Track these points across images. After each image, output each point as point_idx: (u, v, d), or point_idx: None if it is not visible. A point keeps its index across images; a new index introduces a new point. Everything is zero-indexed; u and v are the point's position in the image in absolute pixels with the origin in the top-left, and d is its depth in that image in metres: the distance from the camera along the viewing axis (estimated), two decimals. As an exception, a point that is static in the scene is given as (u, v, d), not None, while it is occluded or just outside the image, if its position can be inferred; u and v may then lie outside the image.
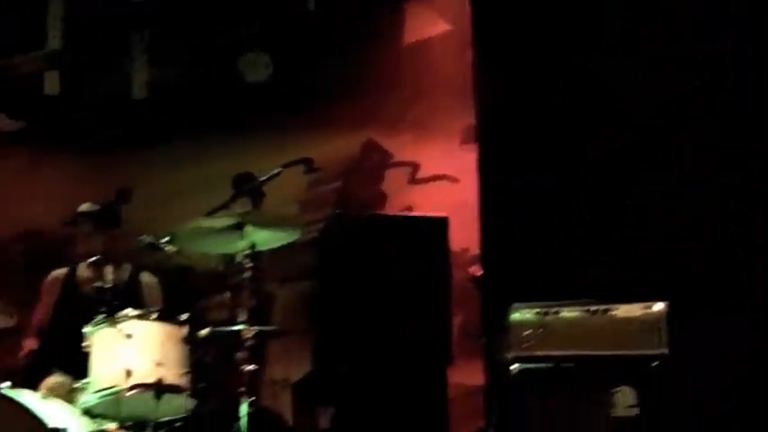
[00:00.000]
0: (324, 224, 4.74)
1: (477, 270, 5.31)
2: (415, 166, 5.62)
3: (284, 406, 4.91)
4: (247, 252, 3.68)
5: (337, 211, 4.65)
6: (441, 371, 4.27)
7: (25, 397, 3.24)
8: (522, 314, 3.83)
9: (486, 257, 5.34)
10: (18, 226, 5.25)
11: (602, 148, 5.21)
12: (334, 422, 4.36)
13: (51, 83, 5.38)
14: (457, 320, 4.54)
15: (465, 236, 5.27)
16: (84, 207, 4.22)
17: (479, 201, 5.49)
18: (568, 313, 3.81)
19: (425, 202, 5.45)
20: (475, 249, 5.45)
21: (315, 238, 4.80)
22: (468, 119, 5.66)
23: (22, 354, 4.05)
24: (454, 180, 5.61)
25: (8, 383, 3.23)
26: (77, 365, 3.53)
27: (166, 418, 3.50)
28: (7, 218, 5.24)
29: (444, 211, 4.61)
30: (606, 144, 5.15)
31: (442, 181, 5.60)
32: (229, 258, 4.68)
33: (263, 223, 3.73)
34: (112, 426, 3.43)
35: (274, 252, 3.95)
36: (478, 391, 5.19)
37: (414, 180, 5.61)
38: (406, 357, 4.19)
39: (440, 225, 4.39)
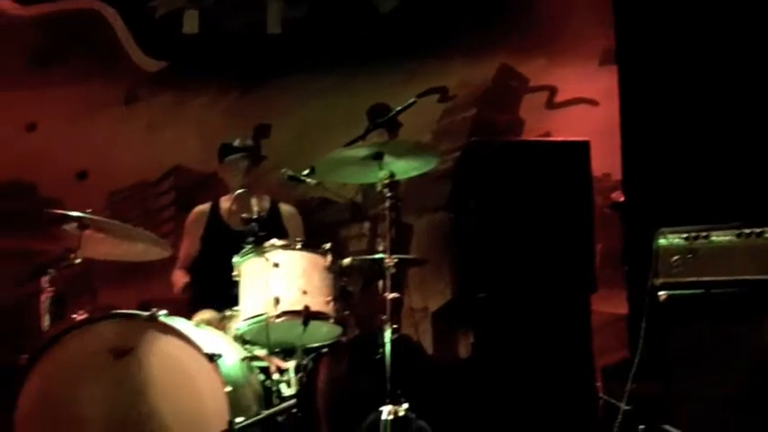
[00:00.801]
0: (460, 153, 4.68)
1: (619, 196, 5.17)
2: (553, 90, 5.47)
3: (424, 334, 4.97)
4: (386, 182, 3.67)
5: (473, 138, 4.57)
6: (584, 299, 4.17)
7: (180, 324, 3.37)
8: (669, 239, 3.69)
9: (628, 182, 5.18)
10: (166, 163, 5.43)
11: (749, 65, 4.95)
12: (474, 350, 4.37)
13: (190, 22, 5.50)
14: (598, 248, 4.42)
15: (606, 161, 5.13)
16: (237, 142, 4.32)
17: (620, 123, 5.32)
18: (718, 237, 3.65)
19: (564, 127, 5.32)
20: (617, 174, 5.31)
21: (451, 166, 4.77)
22: (607, 39, 5.46)
23: (177, 288, 4.18)
24: (593, 103, 5.44)
25: (165, 311, 3.37)
26: (225, 296, 3.66)
27: (313, 345, 3.58)
28: (156, 156, 5.43)
29: (584, 136, 4.46)
30: (754, 60, 4.89)
31: (580, 104, 5.45)
32: (368, 189, 4.74)
33: (402, 152, 3.70)
34: (262, 352, 3.55)
35: (411, 182, 3.93)
36: (621, 320, 5.10)
37: (551, 104, 5.48)
38: (548, 285, 4.12)
39: (581, 149, 4.24)
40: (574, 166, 4.24)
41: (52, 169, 5.38)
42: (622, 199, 5.14)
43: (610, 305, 4.96)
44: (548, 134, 5.29)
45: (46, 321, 3.60)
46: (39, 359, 3.27)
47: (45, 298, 3.61)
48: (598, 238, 4.37)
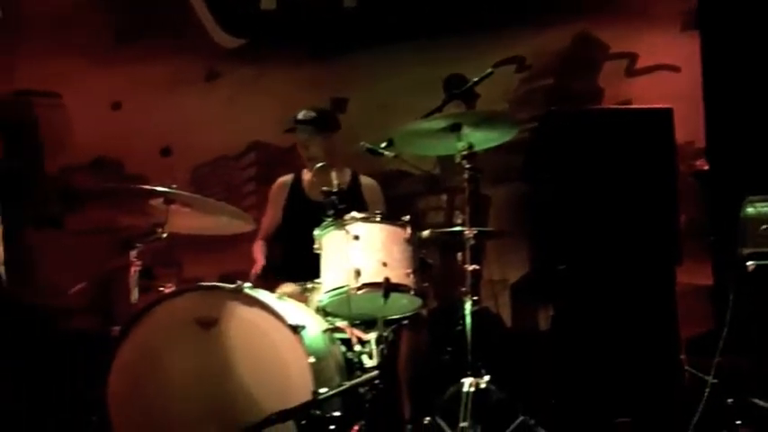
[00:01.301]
0: (538, 122, 4.62)
1: (703, 164, 5.04)
2: (633, 57, 5.35)
3: (503, 306, 4.96)
4: (464, 153, 3.65)
5: (551, 108, 4.50)
6: (669, 270, 4.10)
7: (264, 296, 3.43)
8: (756, 208, 3.60)
9: (712, 150, 5.05)
10: (247, 138, 5.51)
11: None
12: (553, 323, 4.34)
13: (268, -2, 5.56)
14: (681, 218, 4.33)
15: (689, 128, 5.00)
16: (301, 114, 4.36)
17: (703, 90, 5.18)
18: (809, 204, 3.55)
19: (645, 95, 5.21)
20: (700, 142, 5.18)
21: (528, 137, 4.72)
22: (688, 3, 5.31)
23: (255, 269, 4.24)
24: (675, 69, 5.31)
25: (249, 284, 3.44)
26: (306, 268, 3.71)
27: (393, 317, 3.60)
28: (237, 131, 5.51)
29: (666, 103, 4.36)
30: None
31: (662, 71, 5.32)
32: (445, 160, 4.71)
33: (480, 123, 3.68)
34: (344, 324, 3.59)
35: (488, 153, 3.90)
36: (706, 292, 4.99)
37: (631, 72, 5.36)
38: (631, 256, 4.06)
39: (664, 117, 4.15)
40: (656, 135, 4.16)
41: (137, 146, 5.52)
42: (707, 167, 5.02)
43: (694, 276, 4.86)
44: (628, 102, 5.19)
45: (135, 294, 3.71)
46: (129, 330, 3.37)
47: (133, 271, 3.72)
48: (682, 207, 4.29)
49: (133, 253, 3.74)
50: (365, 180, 4.43)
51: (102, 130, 5.55)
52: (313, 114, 4.34)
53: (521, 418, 3.43)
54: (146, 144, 5.52)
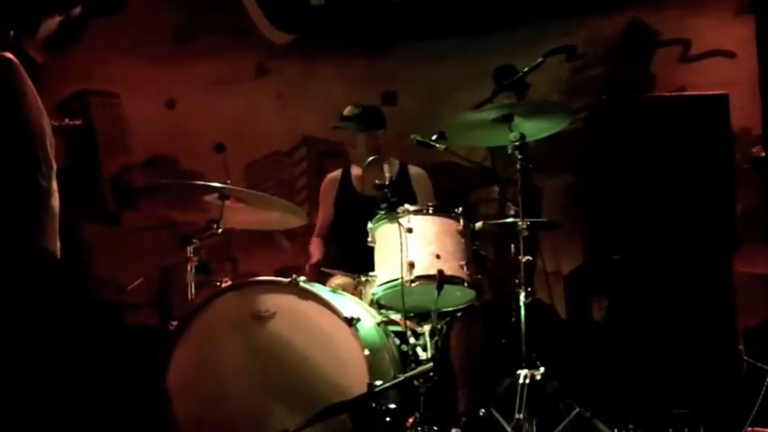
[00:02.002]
0: (590, 111, 4.57)
1: (759, 151, 4.94)
2: (686, 43, 5.26)
3: (557, 298, 4.92)
4: (516, 143, 3.64)
5: (603, 97, 4.45)
6: (726, 258, 4.04)
7: (319, 289, 3.47)
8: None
9: (770, 136, 4.96)
10: (298, 133, 5.55)
11: None
12: (608, 313, 4.30)
13: (317, -6, 5.58)
14: (738, 206, 4.26)
15: (745, 114, 4.91)
16: (346, 111, 4.38)
17: (760, 75, 5.08)
18: None
19: (699, 81, 5.12)
20: (757, 129, 5.08)
21: (581, 126, 4.67)
22: (742, -13, 5.21)
23: (310, 265, 4.28)
24: (730, 55, 5.21)
25: (303, 278, 3.47)
26: (361, 262, 3.73)
27: (447, 309, 3.61)
28: (288, 126, 5.56)
29: (721, 90, 4.28)
30: None
31: (716, 57, 5.22)
32: (497, 152, 4.70)
33: (531, 113, 3.66)
34: (398, 316, 3.61)
35: (541, 143, 3.88)
36: (764, 280, 4.91)
37: (685, 58, 5.27)
38: (687, 245, 4.01)
39: (719, 103, 4.08)
40: (711, 121, 4.10)
41: (191, 143, 5.60)
42: (763, 154, 4.91)
43: (752, 265, 4.77)
44: (682, 89, 5.10)
45: (192, 290, 3.77)
46: (187, 325, 3.43)
47: (190, 267, 3.79)
48: (739, 195, 4.21)
49: (190, 249, 3.80)
50: (414, 170, 4.44)
51: (158, 127, 5.64)
52: (357, 111, 4.35)
53: (576, 410, 3.40)
54: (199, 141, 5.60)
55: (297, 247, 4.64)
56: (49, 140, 2.54)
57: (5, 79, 2.48)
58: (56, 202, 2.54)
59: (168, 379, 3.39)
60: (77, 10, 2.68)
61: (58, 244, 2.53)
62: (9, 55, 2.52)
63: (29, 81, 2.54)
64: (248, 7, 5.65)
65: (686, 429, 3.81)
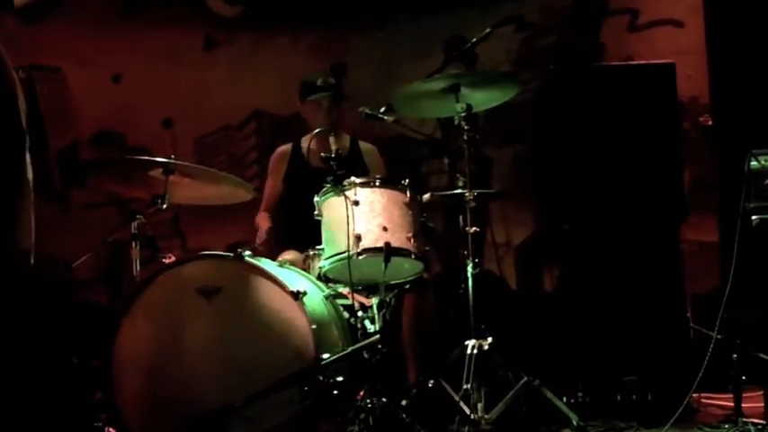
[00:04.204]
0: (540, 81, 4.57)
1: (707, 119, 4.99)
2: (635, 12, 5.27)
3: (508, 269, 4.94)
4: (464, 114, 3.62)
5: (551, 66, 4.45)
6: (674, 227, 4.08)
7: (265, 264, 3.43)
8: (761, 162, 3.55)
9: (717, 105, 4.99)
10: (248, 107, 5.48)
11: None
12: (559, 283, 4.33)
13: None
14: (686, 174, 4.30)
15: (693, 83, 4.94)
16: (320, 81, 4.30)
17: (707, 44, 5.11)
18: (814, 158, 3.50)
19: (647, 50, 5.14)
20: (704, 97, 5.11)
21: (531, 96, 4.67)
22: (690, -46, 5.22)
23: (260, 238, 4.21)
24: (678, 24, 5.23)
25: (248, 252, 3.43)
26: (308, 235, 3.70)
27: (395, 281, 3.59)
28: (238, 100, 5.48)
29: (669, 58, 4.30)
30: None
31: (665, 26, 5.24)
32: (445, 123, 4.69)
33: (478, 83, 3.64)
34: (345, 290, 3.59)
35: (490, 113, 3.87)
36: (712, 248, 4.97)
37: (633, 27, 5.28)
38: (636, 214, 4.03)
39: (667, 72, 4.09)
40: (659, 90, 4.11)
41: (139, 119, 5.51)
42: (710, 122, 4.96)
43: (700, 233, 4.83)
44: (630, 58, 5.11)
45: (137, 266, 3.72)
46: (132, 303, 3.38)
47: (135, 243, 3.73)
48: (687, 164, 4.25)
49: (134, 224, 3.73)
50: (364, 145, 4.40)
51: (105, 102, 5.54)
52: (332, 80, 4.31)
53: (524, 378, 3.42)
54: (147, 116, 5.51)
55: (248, 223, 4.58)
56: (22, 111, 2.47)
57: None
58: (29, 174, 2.47)
59: (114, 357, 3.34)
60: None
61: (33, 220, 2.46)
62: None
63: (2, 48, 2.46)
64: (195, -22, 5.55)
65: (634, 396, 3.86)
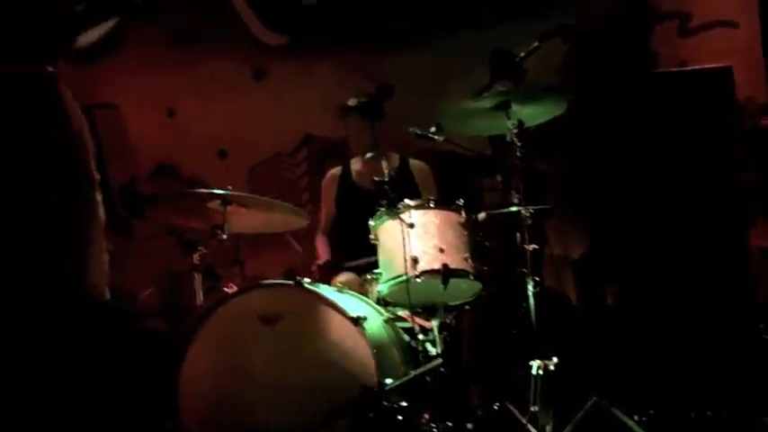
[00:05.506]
0: (589, 92, 4.50)
1: (767, 119, 4.87)
2: (686, 16, 5.18)
3: (567, 284, 4.86)
4: (515, 131, 3.59)
5: (599, 75, 4.38)
6: (740, 234, 3.97)
7: (324, 290, 3.44)
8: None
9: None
10: (299, 133, 5.52)
11: None
12: (621, 298, 4.25)
13: (308, -6, 5.54)
14: (750, 178, 4.19)
15: (750, 84, 4.83)
16: (351, 101, 4.36)
17: (763, 43, 4.99)
18: None
19: (701, 54, 5.03)
20: (762, 97, 4.99)
21: (581, 107, 4.60)
22: (742, -48, 5.12)
23: (317, 266, 4.25)
24: (732, 25, 5.12)
25: (307, 279, 3.45)
26: (360, 257, 3.70)
27: (454, 302, 3.57)
28: (289, 127, 5.52)
29: (724, 61, 4.21)
30: None
31: (717, 28, 5.13)
32: (497, 140, 4.65)
33: (529, 98, 3.61)
34: (405, 312, 3.58)
35: (541, 128, 3.83)
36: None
37: (685, 31, 5.19)
38: (699, 222, 3.94)
39: (723, 75, 4.01)
40: (716, 94, 4.03)
41: (194, 150, 5.59)
42: (770, 124, 4.84)
43: (764, 239, 4.70)
44: (683, 63, 5.02)
45: (200, 296, 3.77)
46: (196, 332, 3.42)
47: (197, 274, 3.78)
48: (748, 167, 4.15)
49: (196, 256, 3.79)
50: (415, 164, 4.41)
51: (160, 136, 5.63)
52: (363, 100, 4.35)
53: (593, 398, 3.35)
54: (201, 147, 5.57)
55: (305, 248, 4.61)
56: (91, 152, 2.54)
57: (51, 94, 2.47)
58: (101, 213, 2.53)
59: (180, 385, 3.38)
60: (112, 22, 2.68)
61: (105, 260, 2.52)
62: (52, 69, 2.51)
63: (70, 94, 2.54)
64: (242, 12, 5.61)
65: (709, 412, 3.74)
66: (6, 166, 2.38)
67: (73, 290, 2.42)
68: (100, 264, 2.48)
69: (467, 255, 3.43)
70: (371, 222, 3.56)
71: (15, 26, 2.46)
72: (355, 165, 4.40)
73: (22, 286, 2.34)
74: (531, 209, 3.54)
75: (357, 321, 3.25)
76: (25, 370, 2.37)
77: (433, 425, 3.26)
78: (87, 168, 2.50)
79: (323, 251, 4.36)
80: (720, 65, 4.14)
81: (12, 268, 2.33)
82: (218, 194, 3.67)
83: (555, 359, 3.36)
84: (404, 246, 3.39)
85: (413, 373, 3.31)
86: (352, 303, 3.44)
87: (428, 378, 3.32)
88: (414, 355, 3.44)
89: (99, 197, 2.53)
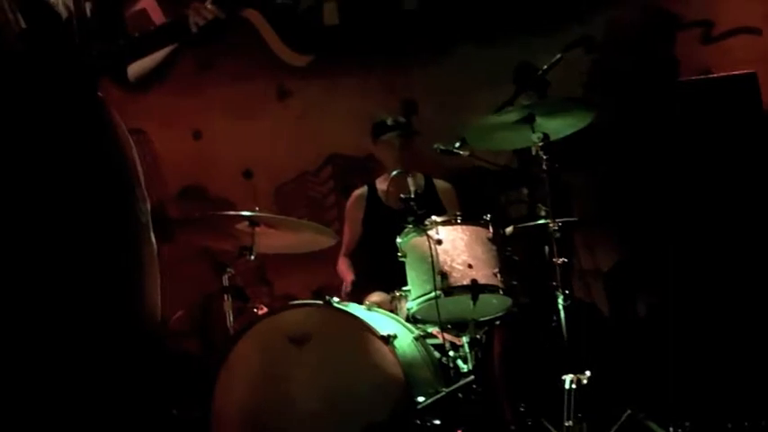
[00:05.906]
0: (616, 104, 4.49)
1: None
2: (709, 24, 5.14)
3: (598, 296, 4.83)
4: (540, 144, 3.58)
5: (627, 88, 4.36)
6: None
7: (354, 309, 3.44)
8: None
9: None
10: (324, 151, 5.53)
11: None
12: (653, 309, 4.21)
13: (330, 14, 5.57)
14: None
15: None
16: (390, 120, 4.37)
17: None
18: None
19: (724, 61, 4.99)
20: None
21: (608, 119, 4.58)
22: (765, -42, 5.08)
23: (346, 284, 4.25)
24: (756, 31, 5.08)
25: (336, 299, 3.45)
26: (392, 277, 3.70)
27: (485, 318, 3.56)
28: (314, 146, 5.54)
29: (748, 68, 4.18)
30: None
31: (741, 35, 5.09)
32: (522, 153, 4.65)
33: (554, 111, 3.60)
34: (435, 329, 3.57)
35: (567, 140, 3.81)
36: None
37: (708, 39, 5.15)
38: (731, 233, 3.89)
39: (748, 82, 3.97)
40: (741, 102, 3.99)
41: (220, 172, 5.62)
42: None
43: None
44: (707, 71, 4.98)
45: (230, 317, 3.79)
46: (227, 354, 3.43)
47: (227, 296, 3.80)
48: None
49: (225, 277, 3.82)
50: (440, 183, 4.43)
51: (187, 158, 5.67)
52: (401, 119, 4.40)
53: (628, 411, 3.31)
54: (228, 169, 5.62)
55: (330, 266, 4.62)
56: (141, 176, 2.58)
57: (102, 118, 2.51)
58: (154, 241, 2.57)
59: (213, 408, 3.39)
60: (166, 51, 2.72)
61: (158, 284, 2.55)
62: (102, 94, 2.56)
63: (119, 117, 2.58)
64: (263, 32, 5.65)
65: (746, 423, 3.69)
66: (75, 195, 2.41)
67: (135, 314, 2.44)
68: (156, 287, 2.51)
69: (496, 270, 3.41)
70: (399, 240, 3.56)
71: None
72: (381, 184, 4.40)
73: (89, 311, 2.36)
74: (558, 221, 3.52)
75: (387, 340, 3.25)
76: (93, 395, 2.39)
77: (467, 442, 3.25)
78: (137, 190, 2.54)
79: (347, 273, 4.37)
80: (745, 71, 4.10)
81: (80, 293, 2.36)
82: (247, 216, 3.69)
83: (588, 372, 3.33)
84: (432, 262, 3.38)
85: (445, 390, 3.29)
86: (382, 322, 3.43)
87: (460, 395, 3.30)
88: (445, 372, 3.43)
89: (150, 219, 2.57)
